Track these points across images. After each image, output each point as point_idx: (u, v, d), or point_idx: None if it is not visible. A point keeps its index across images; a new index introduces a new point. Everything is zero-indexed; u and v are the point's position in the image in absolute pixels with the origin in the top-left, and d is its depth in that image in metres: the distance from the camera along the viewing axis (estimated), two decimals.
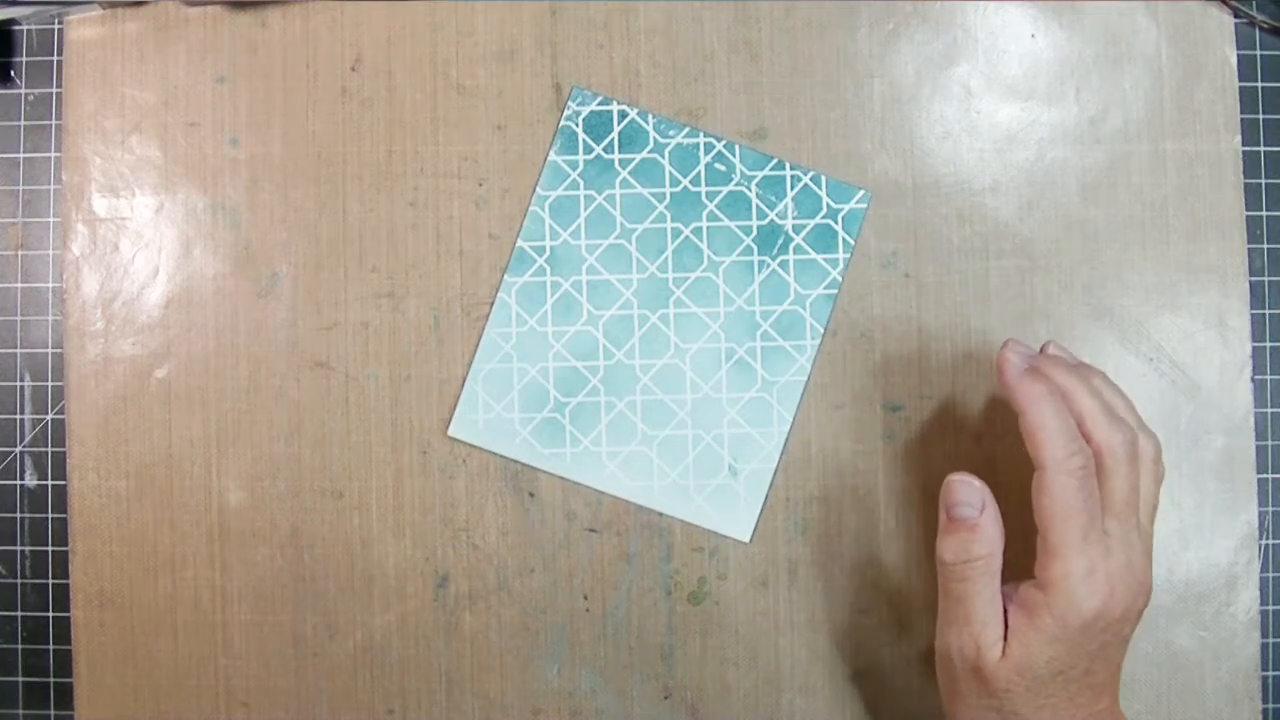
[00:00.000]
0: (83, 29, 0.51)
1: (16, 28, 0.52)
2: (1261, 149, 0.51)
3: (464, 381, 0.50)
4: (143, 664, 0.50)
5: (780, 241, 0.50)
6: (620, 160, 0.51)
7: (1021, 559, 0.41)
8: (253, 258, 0.51)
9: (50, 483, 0.51)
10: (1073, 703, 0.38)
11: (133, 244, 0.51)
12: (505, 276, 0.50)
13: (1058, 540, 0.37)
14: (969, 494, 0.39)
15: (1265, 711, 0.49)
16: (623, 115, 0.51)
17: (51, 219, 0.52)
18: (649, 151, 0.51)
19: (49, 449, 0.51)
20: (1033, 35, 0.51)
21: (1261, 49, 0.51)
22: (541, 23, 0.51)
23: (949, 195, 0.51)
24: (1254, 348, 0.50)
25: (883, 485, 0.50)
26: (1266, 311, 0.51)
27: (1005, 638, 0.38)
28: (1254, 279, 0.51)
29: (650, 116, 0.51)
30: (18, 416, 0.51)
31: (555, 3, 0.51)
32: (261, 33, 0.51)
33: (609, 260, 0.50)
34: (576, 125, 0.51)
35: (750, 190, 0.50)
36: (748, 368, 0.50)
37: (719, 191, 0.50)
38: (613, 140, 0.51)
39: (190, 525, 0.50)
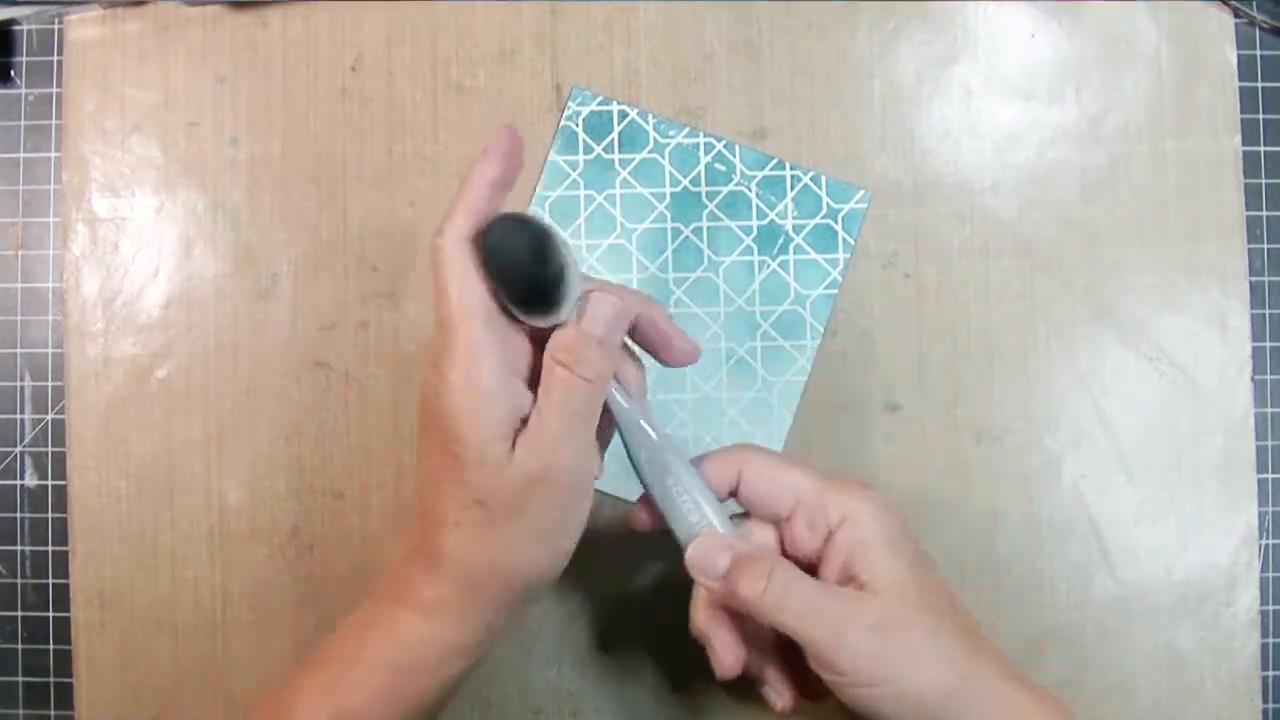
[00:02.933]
0: (83, 29, 0.51)
1: (16, 28, 0.52)
2: (1261, 149, 0.51)
3: None
4: (143, 664, 0.50)
5: (780, 241, 0.50)
6: (620, 160, 0.51)
7: None
8: (253, 258, 0.51)
9: (50, 483, 0.51)
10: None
11: (133, 244, 0.51)
12: None
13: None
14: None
15: (1265, 711, 0.49)
16: (623, 115, 0.51)
17: (51, 219, 0.52)
18: (649, 151, 0.51)
19: (49, 449, 0.51)
20: (1033, 35, 0.51)
21: (1261, 49, 0.51)
22: (541, 23, 0.51)
23: (949, 195, 0.51)
24: (1254, 348, 0.50)
25: (882, 485, 0.50)
26: (1266, 311, 0.51)
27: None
28: (1254, 279, 0.51)
29: (650, 116, 0.51)
30: (18, 416, 0.51)
31: (555, 3, 0.51)
32: (261, 33, 0.51)
33: (609, 260, 0.50)
34: (576, 125, 0.51)
35: (750, 190, 0.50)
36: (748, 368, 0.50)
37: (719, 191, 0.50)
38: (613, 140, 0.51)
39: (190, 525, 0.50)
